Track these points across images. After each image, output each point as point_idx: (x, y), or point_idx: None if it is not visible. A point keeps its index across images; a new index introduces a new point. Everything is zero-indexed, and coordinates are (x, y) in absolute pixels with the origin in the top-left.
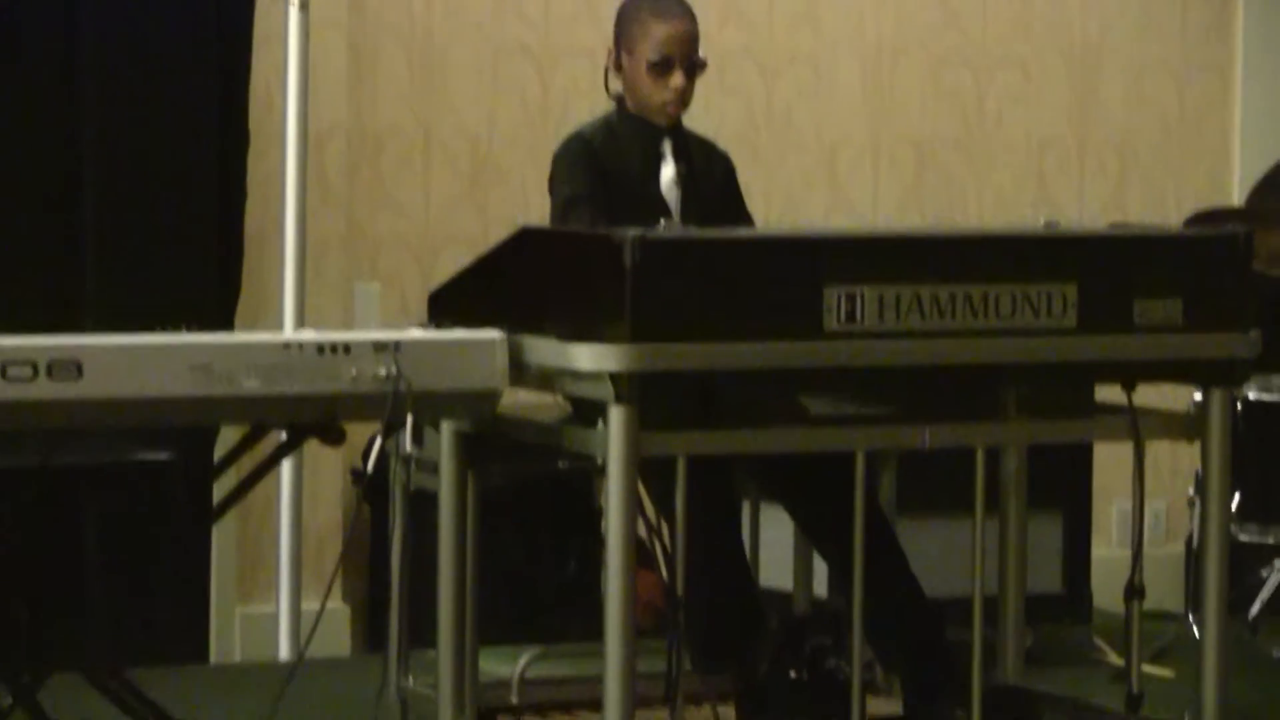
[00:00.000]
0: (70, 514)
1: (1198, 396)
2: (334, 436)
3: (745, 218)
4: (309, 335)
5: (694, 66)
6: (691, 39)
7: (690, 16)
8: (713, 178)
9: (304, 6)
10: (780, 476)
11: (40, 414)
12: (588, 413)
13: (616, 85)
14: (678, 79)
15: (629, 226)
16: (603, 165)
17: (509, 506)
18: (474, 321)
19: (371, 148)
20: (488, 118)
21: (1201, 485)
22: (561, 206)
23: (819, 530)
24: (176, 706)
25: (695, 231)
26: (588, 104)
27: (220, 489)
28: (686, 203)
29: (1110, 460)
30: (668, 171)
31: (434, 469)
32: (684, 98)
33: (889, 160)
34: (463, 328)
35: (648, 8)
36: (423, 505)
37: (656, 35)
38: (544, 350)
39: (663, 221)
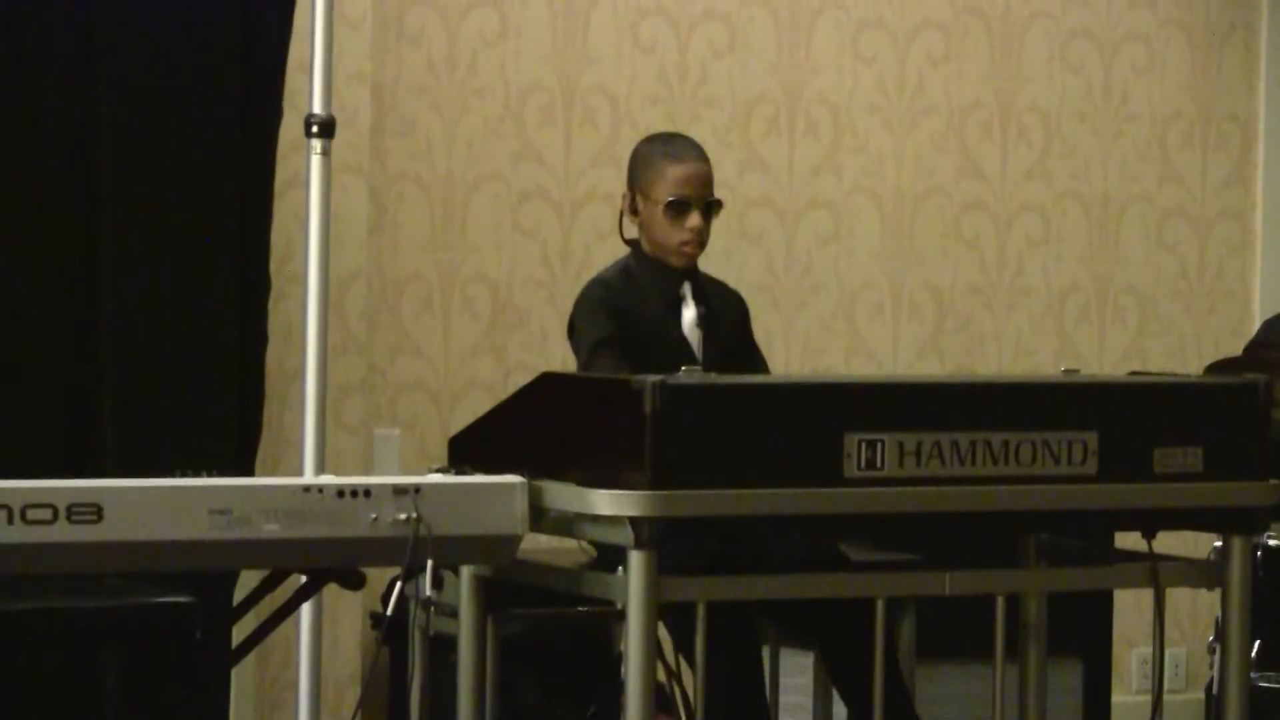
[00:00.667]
0: (88, 657)
1: (1218, 543)
2: (353, 580)
3: (759, 358)
4: (329, 479)
5: (710, 207)
6: (706, 179)
7: (704, 158)
8: (728, 319)
9: (325, 153)
10: (797, 619)
11: (59, 557)
12: (608, 558)
13: (631, 230)
14: (695, 219)
15: (651, 370)
16: (623, 310)
17: (528, 651)
18: (494, 466)
19: (392, 293)
20: (508, 263)
21: (1221, 632)
22: (588, 352)
23: (836, 671)
24: None
25: (715, 377)
26: (608, 249)
27: (239, 632)
28: (708, 344)
29: (1130, 607)
30: (689, 314)
31: (453, 613)
32: (701, 238)
33: (908, 307)
34: (483, 473)
35: (660, 150)
36: (442, 649)
37: (672, 177)
38: (564, 495)
39: (683, 367)
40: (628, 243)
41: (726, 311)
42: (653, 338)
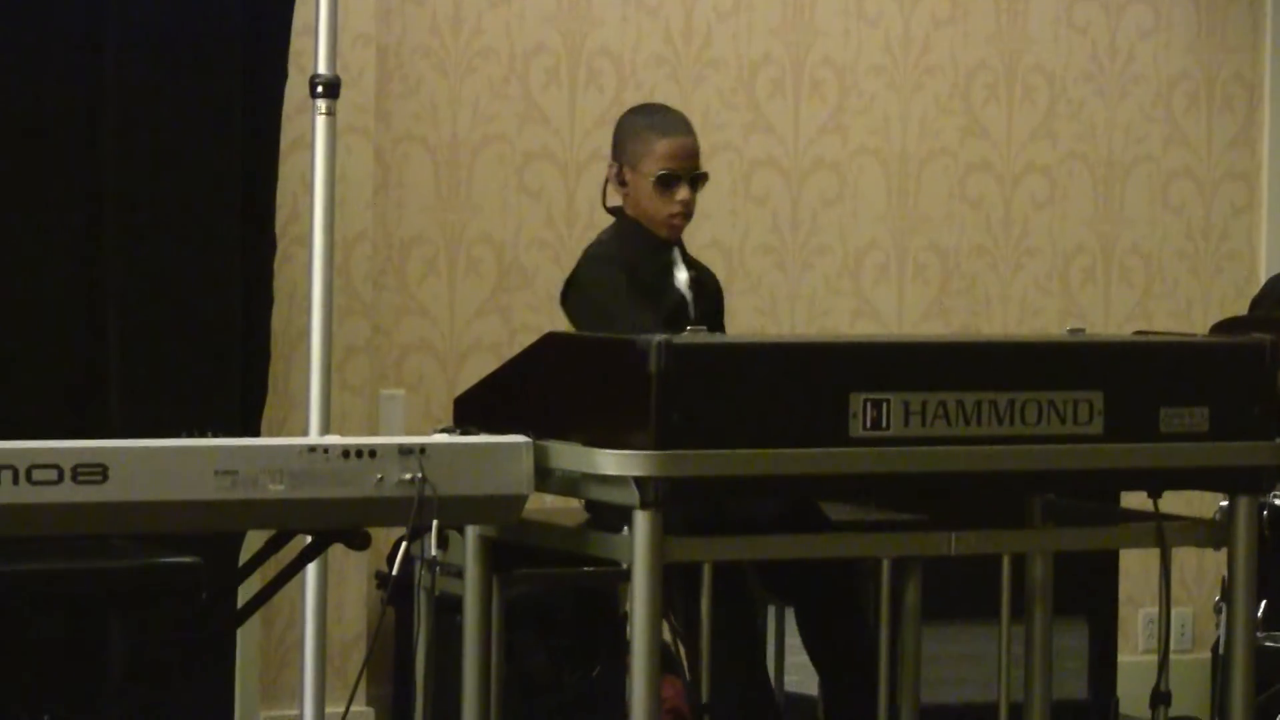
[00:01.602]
0: (94, 618)
1: (1224, 503)
2: (359, 541)
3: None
4: (334, 440)
5: (697, 180)
6: (694, 153)
7: (691, 131)
8: (712, 288)
9: (330, 114)
10: (778, 579)
11: (65, 518)
12: (611, 518)
13: (614, 199)
14: (684, 193)
15: (659, 327)
16: (629, 270)
17: (533, 611)
18: (499, 427)
19: (397, 254)
20: (513, 225)
21: (1227, 592)
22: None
23: (806, 635)
24: None
25: (720, 337)
26: None
27: (245, 593)
28: (697, 305)
29: (1136, 567)
30: (681, 275)
31: (459, 573)
32: (688, 210)
33: (914, 267)
34: (488, 433)
35: (648, 123)
36: (447, 610)
37: (661, 151)
38: (569, 455)
39: (688, 327)
40: (610, 211)
41: (710, 280)
42: (655, 297)
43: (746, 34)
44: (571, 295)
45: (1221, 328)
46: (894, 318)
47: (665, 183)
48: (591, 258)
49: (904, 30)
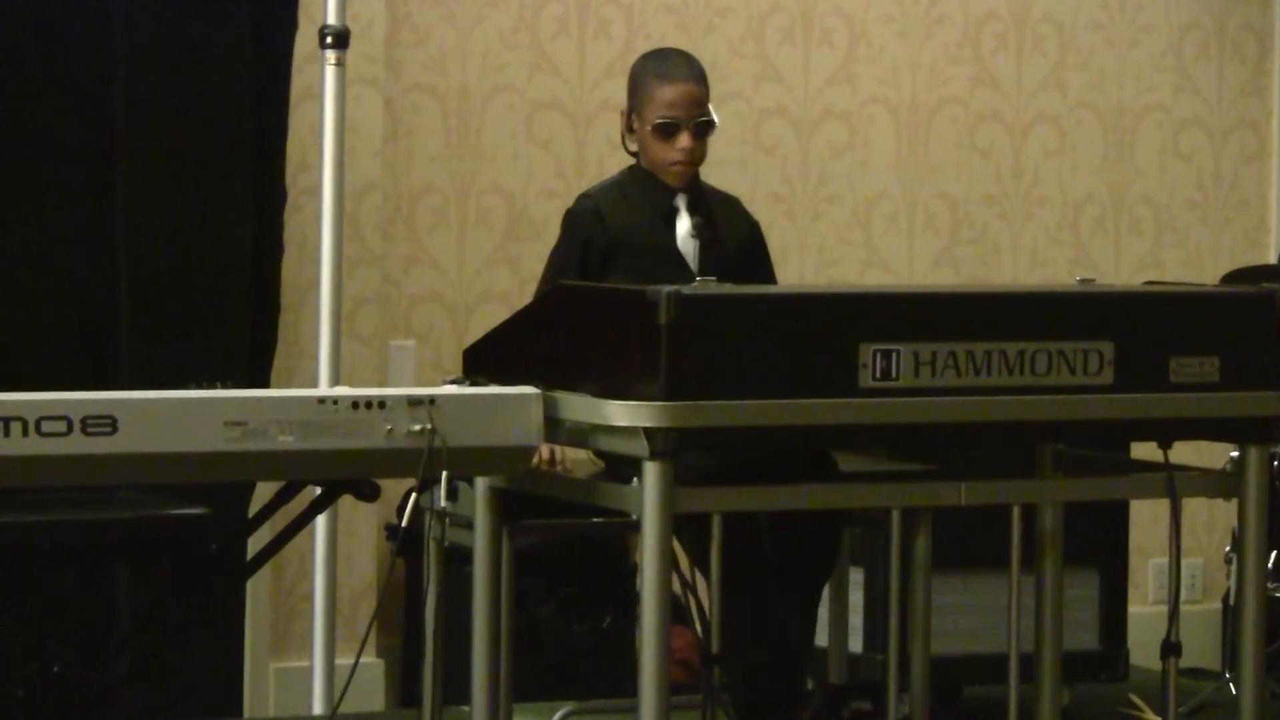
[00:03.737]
0: (103, 569)
1: (1234, 454)
2: (368, 492)
3: (770, 281)
4: (344, 391)
5: (703, 127)
6: (696, 100)
7: (695, 78)
8: (735, 233)
9: (340, 64)
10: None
11: (74, 469)
12: (622, 469)
13: (633, 144)
14: (684, 140)
15: (646, 282)
16: (613, 223)
17: (543, 562)
18: (509, 378)
19: (407, 205)
20: (522, 175)
21: (1238, 542)
22: (546, 278)
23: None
24: None
25: (730, 288)
26: (621, 160)
27: (254, 544)
28: (705, 254)
29: (1147, 517)
30: (683, 225)
31: (468, 524)
32: (692, 158)
33: (924, 217)
34: (498, 384)
35: (653, 70)
36: (457, 561)
37: (661, 98)
38: (579, 406)
39: (697, 278)
40: (632, 154)
41: (733, 226)
42: (644, 250)
43: None
44: None
45: (1233, 277)
46: (904, 268)
47: (665, 131)
48: (566, 217)
49: None
